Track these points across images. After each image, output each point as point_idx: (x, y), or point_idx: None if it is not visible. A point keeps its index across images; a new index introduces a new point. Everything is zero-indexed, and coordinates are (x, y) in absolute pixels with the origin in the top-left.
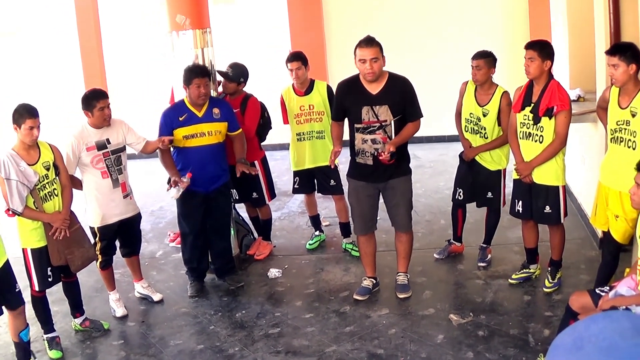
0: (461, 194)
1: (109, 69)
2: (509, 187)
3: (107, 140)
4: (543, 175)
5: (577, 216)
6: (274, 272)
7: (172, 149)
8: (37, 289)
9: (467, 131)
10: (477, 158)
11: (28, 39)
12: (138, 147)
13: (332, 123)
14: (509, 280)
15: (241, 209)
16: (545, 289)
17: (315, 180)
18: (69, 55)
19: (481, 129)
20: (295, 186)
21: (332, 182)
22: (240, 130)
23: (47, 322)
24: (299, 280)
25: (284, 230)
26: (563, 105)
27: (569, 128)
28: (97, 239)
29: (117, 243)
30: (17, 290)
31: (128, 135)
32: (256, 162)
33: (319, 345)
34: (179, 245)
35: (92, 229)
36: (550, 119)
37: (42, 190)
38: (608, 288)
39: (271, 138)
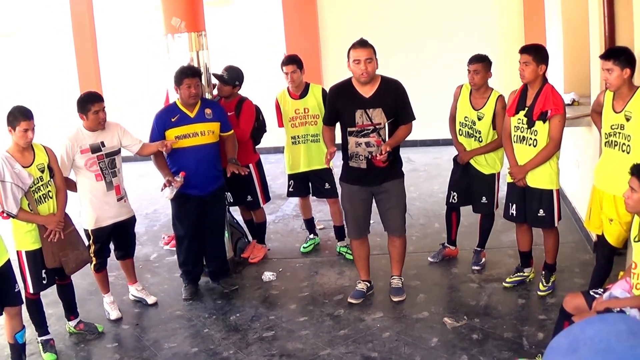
0: (455, 197)
1: (104, 71)
2: (502, 191)
3: (102, 143)
4: (537, 179)
5: (571, 220)
6: (268, 275)
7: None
8: (31, 291)
9: (461, 135)
10: (472, 162)
11: (24, 40)
12: (134, 149)
13: (324, 127)
14: (503, 283)
15: (235, 212)
16: (539, 293)
17: (310, 184)
18: (66, 56)
19: (476, 133)
20: (290, 189)
21: (327, 186)
22: (232, 131)
23: (41, 325)
24: (293, 283)
25: (278, 233)
26: (557, 109)
27: (563, 132)
28: (90, 241)
29: (112, 246)
30: (16, 290)
31: (124, 138)
32: (251, 165)
33: (313, 349)
34: (174, 248)
35: (86, 231)
36: (544, 122)
37: (37, 193)
38: (602, 290)
39: (266, 141)
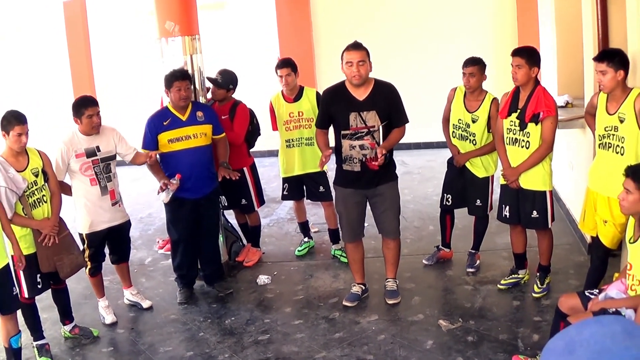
0: (449, 199)
1: (98, 75)
2: (496, 193)
3: (97, 147)
4: (530, 181)
5: (565, 222)
6: (263, 279)
7: (158, 156)
8: (26, 295)
9: (454, 137)
10: (467, 164)
11: (19, 42)
12: (128, 158)
13: (317, 131)
14: (498, 285)
15: (230, 216)
16: (534, 294)
17: (304, 187)
18: (61, 59)
19: (470, 135)
20: (284, 193)
21: (321, 189)
22: (224, 134)
23: (36, 329)
24: (288, 286)
25: (272, 236)
26: (549, 111)
27: (556, 133)
28: (85, 245)
29: (107, 250)
30: (14, 293)
31: (119, 145)
32: (245, 169)
33: (308, 352)
34: (168, 252)
35: (80, 235)
36: (536, 124)
37: (31, 197)
38: (597, 291)
39: (260, 145)
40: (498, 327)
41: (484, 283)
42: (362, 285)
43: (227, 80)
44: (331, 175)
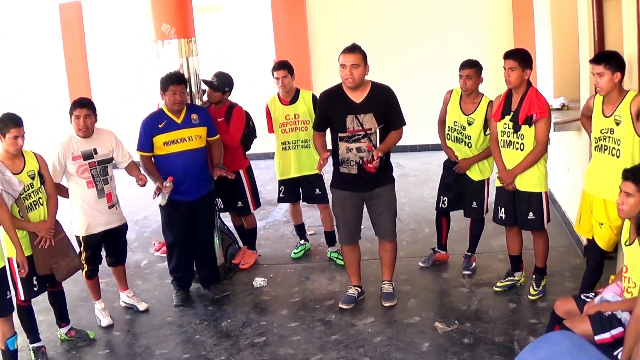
0: (445, 202)
1: (95, 77)
2: (491, 196)
3: (94, 150)
4: (526, 182)
5: (561, 224)
6: (259, 281)
7: (152, 159)
8: (22, 298)
9: (449, 139)
10: None
11: (18, 42)
12: (122, 165)
13: (314, 133)
14: (494, 288)
15: (226, 218)
16: (530, 297)
17: (301, 189)
18: (59, 60)
19: (465, 138)
20: (281, 195)
21: (317, 191)
22: (218, 136)
23: (32, 332)
24: (284, 289)
25: (269, 239)
26: (542, 112)
27: (550, 134)
28: (81, 248)
29: (103, 252)
30: (8, 297)
31: (116, 150)
32: (241, 171)
33: (304, 354)
34: (164, 255)
35: (77, 237)
36: (530, 126)
37: (27, 200)
38: (593, 294)
39: (256, 147)
40: (494, 330)
41: (480, 285)
42: (358, 288)
43: (222, 83)
44: (327, 178)
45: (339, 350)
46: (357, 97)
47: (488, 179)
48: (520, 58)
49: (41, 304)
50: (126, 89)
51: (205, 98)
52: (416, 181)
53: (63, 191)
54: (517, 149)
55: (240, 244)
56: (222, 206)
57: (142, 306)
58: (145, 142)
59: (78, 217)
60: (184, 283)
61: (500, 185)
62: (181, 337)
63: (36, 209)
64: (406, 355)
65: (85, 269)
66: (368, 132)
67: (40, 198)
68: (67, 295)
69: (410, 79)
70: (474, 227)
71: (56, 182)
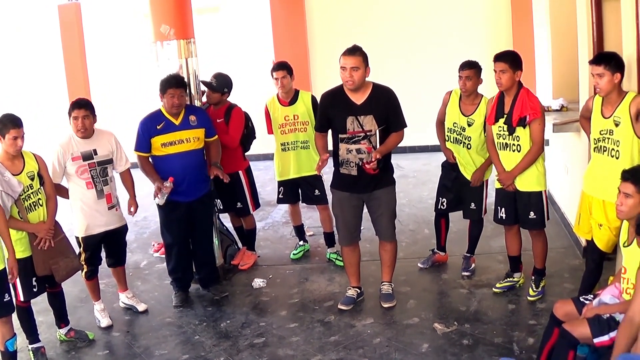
0: (444, 203)
1: (94, 78)
2: (490, 197)
3: (94, 151)
4: (525, 182)
5: (560, 225)
6: (258, 282)
7: (150, 159)
8: (22, 299)
9: (449, 141)
10: (462, 171)
11: (18, 42)
12: (119, 169)
13: (316, 134)
14: (493, 289)
15: (225, 219)
16: (529, 298)
17: (300, 190)
18: (59, 60)
19: (465, 139)
20: (280, 196)
21: (317, 192)
22: (216, 136)
23: (32, 333)
24: (284, 290)
25: (268, 240)
26: (535, 113)
27: (547, 134)
28: (81, 249)
29: (103, 253)
30: (6, 300)
31: (116, 152)
32: (240, 172)
33: (303, 355)
34: (163, 256)
35: (76, 238)
36: (524, 128)
37: (27, 200)
38: (592, 296)
39: (255, 148)
40: (493, 331)
41: (479, 286)
42: (357, 289)
43: (221, 84)
44: (327, 179)
45: (338, 351)
46: (358, 98)
47: (487, 181)
48: (511, 60)
49: (40, 304)
50: (125, 89)
51: (204, 99)
52: (415, 182)
53: (63, 192)
54: (514, 151)
55: (240, 244)
56: (221, 207)
57: (141, 307)
58: (143, 143)
59: (77, 217)
60: (183, 284)
61: (501, 187)
62: (180, 338)
63: (36, 209)
64: (405, 356)
65: (85, 270)
66: (368, 133)
67: (39, 199)
68: (66, 296)
69: (409, 78)
70: (473, 228)
71: (56, 183)
